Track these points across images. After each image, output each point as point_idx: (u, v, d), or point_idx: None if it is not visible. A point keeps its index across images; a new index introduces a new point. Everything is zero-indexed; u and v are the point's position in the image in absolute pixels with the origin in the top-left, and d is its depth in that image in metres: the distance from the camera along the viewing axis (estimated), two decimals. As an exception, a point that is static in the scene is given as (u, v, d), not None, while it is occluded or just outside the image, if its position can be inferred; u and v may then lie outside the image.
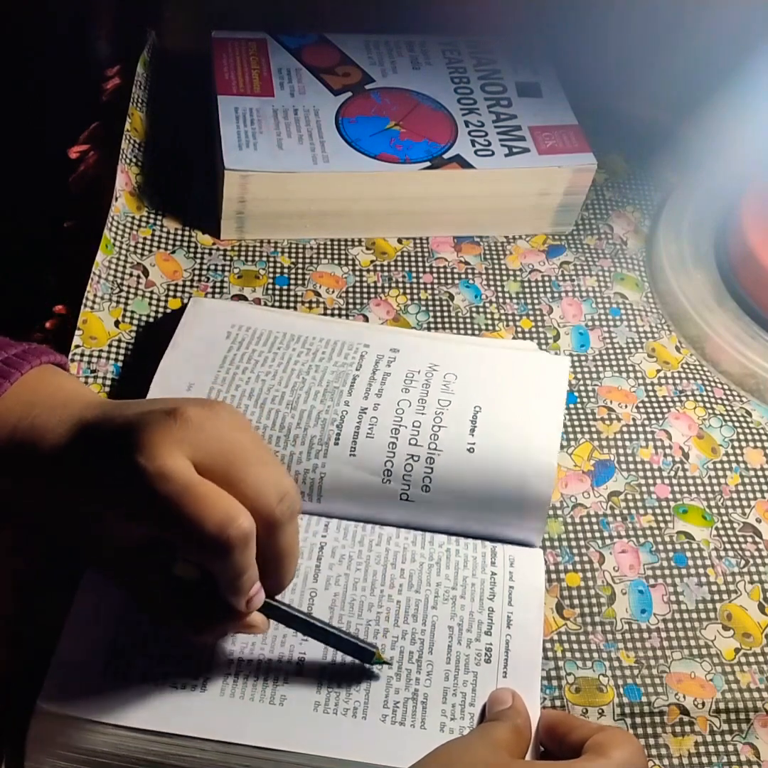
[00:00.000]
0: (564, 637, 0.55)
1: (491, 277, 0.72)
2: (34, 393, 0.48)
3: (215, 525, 0.42)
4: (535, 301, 0.71)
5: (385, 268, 0.71)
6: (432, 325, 0.68)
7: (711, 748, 0.52)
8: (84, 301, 0.64)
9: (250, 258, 0.70)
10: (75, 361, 0.62)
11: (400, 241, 0.73)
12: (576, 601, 0.57)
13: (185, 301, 0.66)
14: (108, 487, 0.44)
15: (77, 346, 0.62)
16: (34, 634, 0.50)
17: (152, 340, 0.63)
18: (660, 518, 0.60)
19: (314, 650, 0.50)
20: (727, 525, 0.61)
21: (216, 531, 0.42)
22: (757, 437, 0.65)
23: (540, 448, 0.56)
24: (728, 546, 0.60)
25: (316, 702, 0.48)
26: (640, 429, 0.64)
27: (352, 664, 0.49)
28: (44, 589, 0.52)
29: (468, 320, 0.69)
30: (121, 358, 0.63)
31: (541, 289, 0.71)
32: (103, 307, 0.65)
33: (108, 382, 0.62)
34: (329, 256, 0.71)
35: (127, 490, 0.43)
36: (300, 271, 0.70)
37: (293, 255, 0.71)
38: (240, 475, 0.44)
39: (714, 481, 0.63)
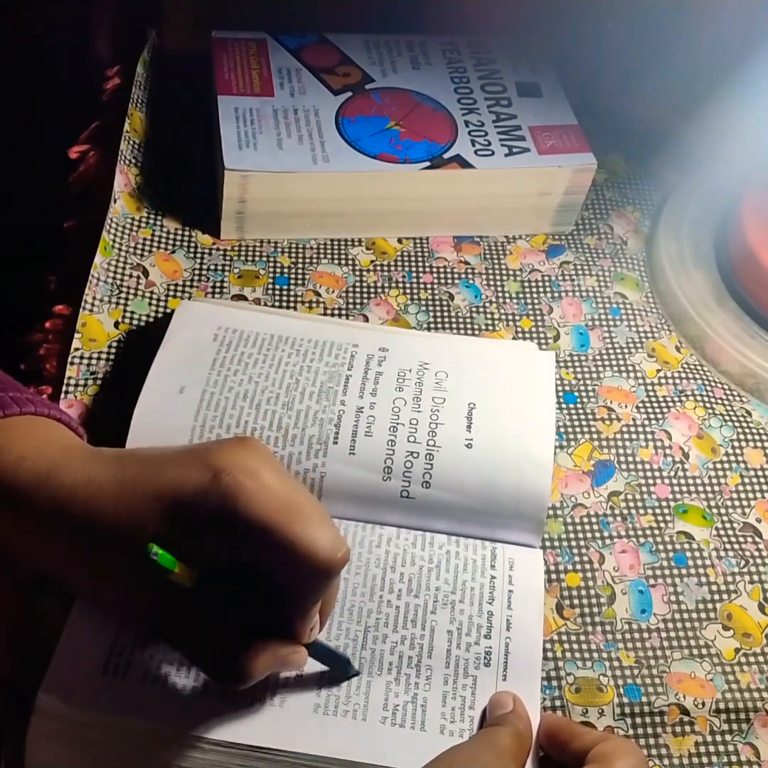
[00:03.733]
0: (564, 637, 0.55)
1: (491, 277, 0.72)
2: (41, 437, 0.47)
3: (329, 547, 0.42)
4: (535, 301, 0.71)
5: (385, 268, 0.71)
6: (432, 325, 0.68)
7: (711, 748, 0.52)
8: (82, 303, 0.64)
9: (250, 258, 0.70)
10: (74, 364, 0.62)
11: (400, 241, 0.73)
12: (576, 601, 0.57)
13: (185, 301, 0.66)
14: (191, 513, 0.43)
15: (76, 349, 0.62)
16: (35, 633, 0.51)
17: (152, 340, 0.63)
18: (660, 518, 0.60)
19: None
20: (727, 525, 0.61)
21: (329, 554, 0.42)
22: (757, 437, 0.65)
23: (536, 440, 0.57)
24: (728, 546, 0.60)
25: (316, 704, 0.48)
26: (640, 429, 0.64)
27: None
28: (45, 589, 0.52)
29: (468, 320, 0.69)
30: (121, 359, 0.63)
31: (541, 289, 0.71)
32: (102, 309, 0.65)
33: (108, 383, 0.62)
34: (329, 256, 0.71)
35: (227, 511, 0.42)
36: (300, 271, 0.70)
37: (293, 255, 0.71)
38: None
39: (714, 481, 0.63)
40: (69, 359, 0.62)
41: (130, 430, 0.56)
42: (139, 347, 0.64)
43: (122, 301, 0.66)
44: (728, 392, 0.67)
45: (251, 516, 0.42)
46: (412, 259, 0.72)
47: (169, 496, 0.43)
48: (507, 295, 0.71)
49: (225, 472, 0.42)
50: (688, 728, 0.53)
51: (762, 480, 0.63)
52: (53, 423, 0.49)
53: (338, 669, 0.49)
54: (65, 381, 0.61)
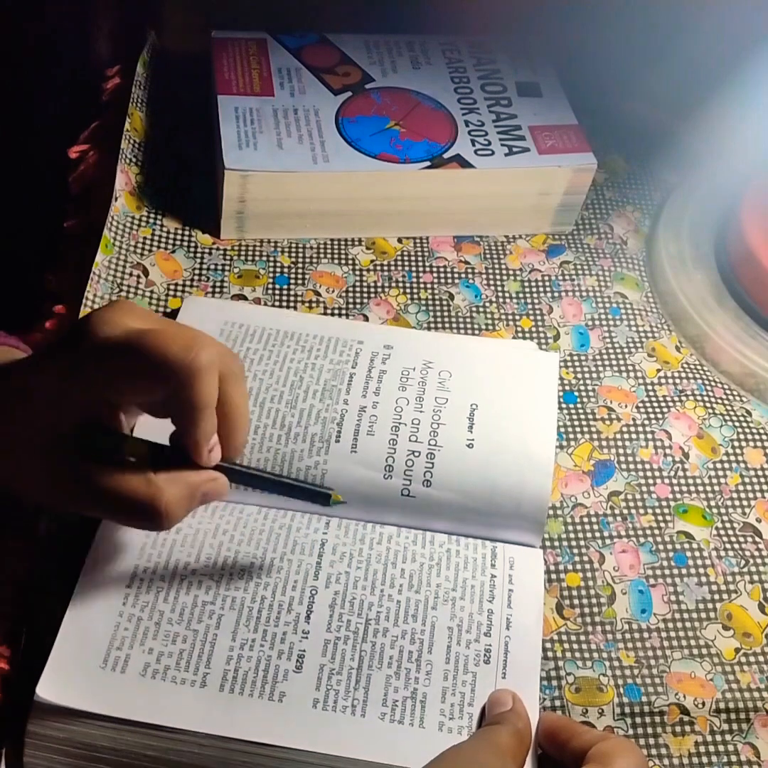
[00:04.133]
0: (564, 637, 0.55)
1: (491, 276, 0.72)
2: None
3: (183, 347, 0.45)
4: (535, 301, 0.71)
5: (385, 268, 0.71)
6: (432, 325, 0.68)
7: (711, 748, 0.52)
8: (84, 301, 0.64)
9: (250, 258, 0.70)
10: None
11: (400, 240, 0.73)
12: (576, 601, 0.57)
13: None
14: (63, 357, 0.47)
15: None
16: (33, 630, 0.51)
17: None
18: (660, 518, 0.60)
19: (314, 647, 0.50)
20: (727, 525, 0.61)
21: (184, 352, 0.45)
22: (757, 437, 0.65)
23: (537, 442, 0.58)
24: (728, 546, 0.60)
25: (315, 699, 0.48)
26: (640, 429, 0.64)
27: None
28: (43, 586, 0.52)
29: (468, 320, 0.69)
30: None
31: (541, 289, 0.71)
32: (103, 307, 0.65)
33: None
34: (329, 256, 0.71)
35: (88, 345, 0.46)
36: (300, 270, 0.70)
37: (293, 255, 0.71)
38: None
39: (714, 481, 0.63)
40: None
41: (133, 427, 0.56)
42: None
43: (122, 301, 0.66)
44: (728, 392, 0.67)
45: (109, 341, 0.45)
46: (412, 259, 0.72)
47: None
48: (507, 295, 0.71)
49: (84, 319, 0.47)
50: (688, 728, 0.53)
51: (762, 480, 0.63)
52: (4, 349, 0.54)
53: (311, 499, 0.51)
54: None
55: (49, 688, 0.47)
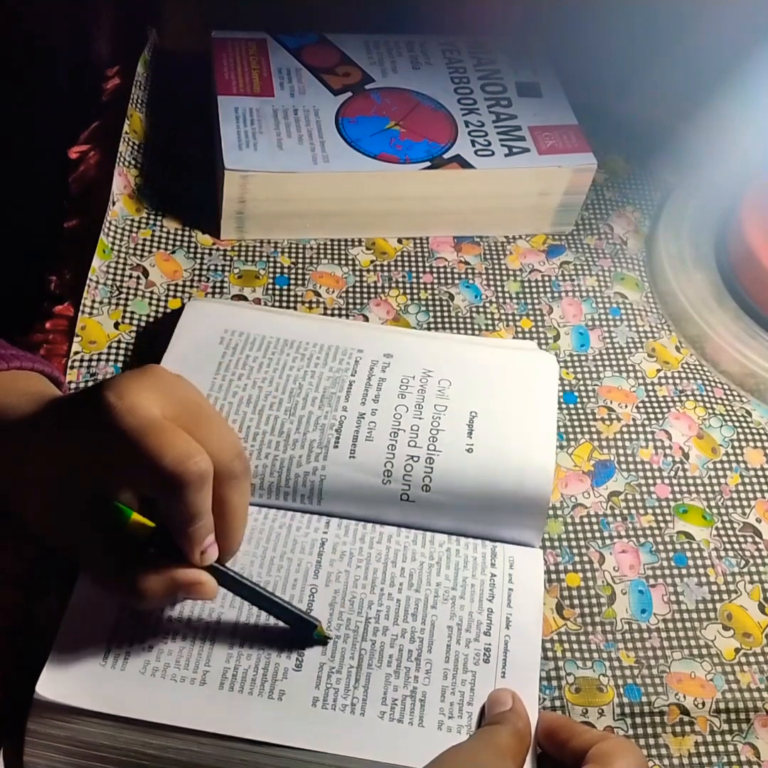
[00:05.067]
0: (564, 637, 0.55)
1: (491, 277, 0.72)
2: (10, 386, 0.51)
3: (174, 458, 0.44)
4: (535, 301, 0.71)
5: (385, 268, 0.71)
6: (432, 325, 0.68)
7: (711, 748, 0.52)
8: (81, 307, 0.64)
9: (250, 258, 0.70)
10: (74, 368, 0.62)
11: (400, 241, 0.73)
12: (576, 601, 0.57)
13: (185, 301, 0.66)
14: (80, 428, 0.47)
15: (76, 353, 0.62)
16: (33, 630, 0.51)
17: (152, 340, 0.63)
18: (660, 518, 0.60)
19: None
20: (727, 525, 0.61)
21: (174, 464, 0.44)
22: (757, 437, 0.65)
23: (537, 447, 0.57)
24: (728, 546, 0.60)
25: (315, 697, 0.48)
26: (640, 429, 0.64)
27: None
28: (43, 586, 0.52)
29: (468, 320, 0.69)
30: (121, 359, 0.63)
31: (541, 289, 0.71)
32: (102, 311, 0.65)
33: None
34: (329, 256, 0.71)
35: (98, 428, 0.46)
36: (300, 271, 0.70)
37: (293, 255, 0.71)
38: (203, 430, 0.47)
39: (714, 481, 0.63)
40: (69, 363, 0.62)
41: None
42: (140, 347, 0.64)
43: (122, 302, 0.66)
44: (728, 392, 0.67)
45: (115, 432, 0.45)
46: (412, 259, 0.72)
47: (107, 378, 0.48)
48: (507, 295, 0.71)
49: (101, 392, 0.46)
50: (688, 728, 0.53)
51: (762, 480, 0.63)
52: (35, 375, 0.54)
53: (300, 629, 0.50)
54: (66, 384, 0.61)
55: (48, 686, 0.47)
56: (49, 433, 0.49)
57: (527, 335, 0.69)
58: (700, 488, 0.62)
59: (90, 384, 0.61)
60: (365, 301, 0.69)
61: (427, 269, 0.72)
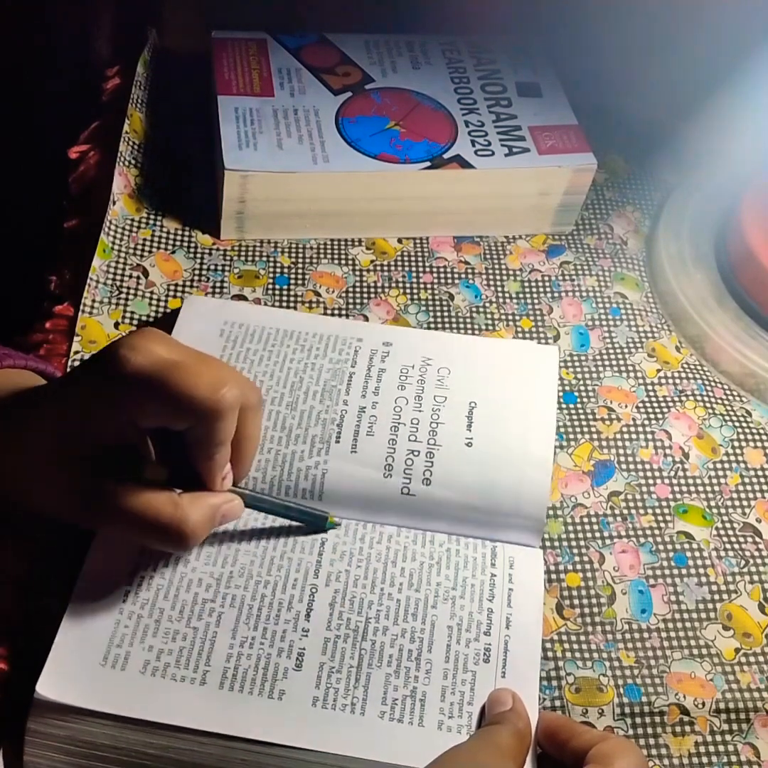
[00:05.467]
0: (564, 637, 0.55)
1: (491, 277, 0.72)
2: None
3: (208, 387, 0.46)
4: (535, 301, 0.71)
5: (385, 268, 0.71)
6: (432, 325, 0.68)
7: (711, 748, 0.52)
8: (81, 307, 0.64)
9: (250, 258, 0.70)
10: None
11: (400, 241, 0.73)
12: (576, 601, 0.57)
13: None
14: (91, 384, 0.48)
15: (76, 352, 0.62)
16: (33, 630, 0.50)
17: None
18: (660, 518, 0.60)
19: (314, 645, 0.50)
20: (727, 525, 0.61)
21: (209, 392, 0.46)
22: (757, 437, 0.65)
23: (536, 439, 0.58)
24: (728, 546, 0.60)
25: (315, 697, 0.48)
26: (640, 429, 0.64)
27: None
28: (43, 586, 0.52)
29: (468, 320, 0.69)
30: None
31: (541, 289, 0.71)
32: (102, 311, 0.65)
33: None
34: (329, 256, 0.71)
35: (115, 378, 0.47)
36: (300, 271, 0.70)
37: (293, 255, 0.71)
38: (214, 370, 0.49)
39: (714, 481, 0.63)
40: (69, 362, 0.62)
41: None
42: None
43: (122, 302, 0.66)
44: (728, 392, 0.67)
45: (137, 377, 0.46)
46: (412, 259, 0.72)
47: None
48: (507, 295, 0.71)
49: (112, 350, 0.47)
50: (688, 728, 0.53)
51: (762, 480, 0.63)
52: (28, 373, 0.54)
53: (310, 521, 0.54)
54: None
55: (49, 686, 0.47)
56: (50, 402, 0.49)
57: (527, 335, 0.69)
58: (700, 488, 0.62)
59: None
60: (365, 301, 0.69)
61: (427, 269, 0.72)
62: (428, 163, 0.70)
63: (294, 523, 0.54)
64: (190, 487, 0.49)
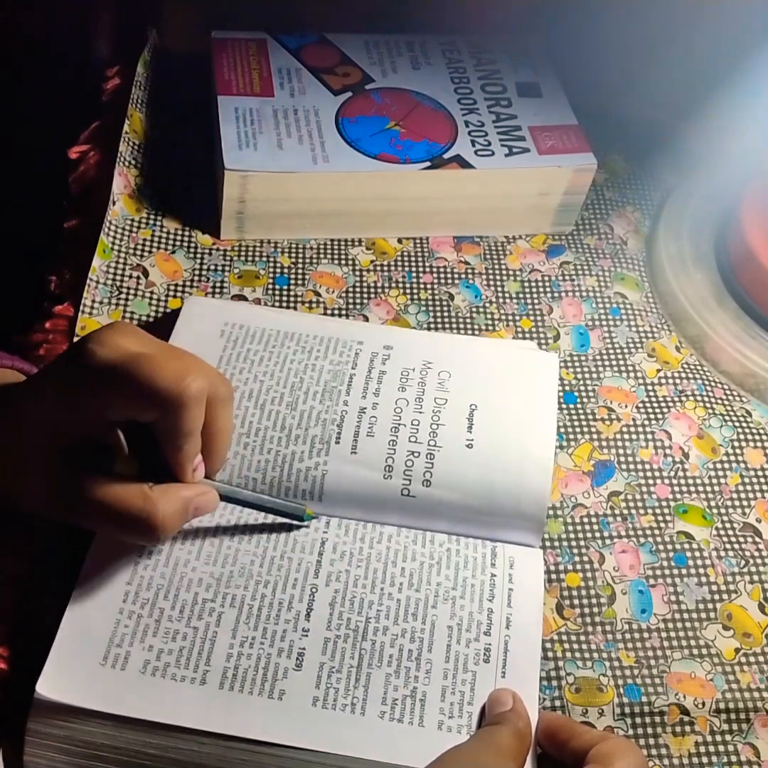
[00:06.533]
0: (564, 637, 0.55)
1: (491, 277, 0.72)
2: None
3: (173, 378, 0.46)
4: (535, 301, 0.71)
5: (385, 268, 0.71)
6: (432, 325, 0.68)
7: (711, 748, 0.52)
8: (81, 307, 0.64)
9: (250, 258, 0.70)
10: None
11: (400, 241, 0.73)
12: (576, 601, 0.57)
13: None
14: (61, 379, 0.48)
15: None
16: (33, 630, 0.50)
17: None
18: (660, 518, 0.60)
19: (314, 645, 0.50)
20: (727, 525, 0.61)
21: (174, 383, 0.46)
22: (757, 437, 0.65)
23: (536, 441, 0.58)
24: (728, 546, 0.60)
25: (315, 697, 0.48)
26: (640, 429, 0.64)
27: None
28: (43, 586, 0.52)
29: (468, 320, 0.69)
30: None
31: (541, 289, 0.71)
32: (102, 311, 0.65)
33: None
34: (329, 256, 0.71)
35: (83, 372, 0.47)
36: (300, 271, 0.70)
37: (293, 255, 0.71)
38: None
39: (714, 481, 0.63)
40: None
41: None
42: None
43: (122, 302, 0.66)
44: (728, 392, 0.67)
45: (105, 370, 0.46)
46: (412, 259, 0.72)
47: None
48: (507, 295, 0.71)
49: (80, 345, 0.48)
50: (688, 728, 0.53)
51: (762, 480, 0.63)
52: (11, 372, 0.55)
53: (288, 514, 0.54)
54: None
55: (48, 686, 0.47)
56: (24, 398, 0.50)
57: (527, 335, 0.69)
58: (700, 488, 0.62)
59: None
60: (365, 301, 0.69)
61: (427, 269, 0.72)
62: (428, 163, 0.70)
63: (285, 520, 0.54)
64: (162, 481, 0.49)
